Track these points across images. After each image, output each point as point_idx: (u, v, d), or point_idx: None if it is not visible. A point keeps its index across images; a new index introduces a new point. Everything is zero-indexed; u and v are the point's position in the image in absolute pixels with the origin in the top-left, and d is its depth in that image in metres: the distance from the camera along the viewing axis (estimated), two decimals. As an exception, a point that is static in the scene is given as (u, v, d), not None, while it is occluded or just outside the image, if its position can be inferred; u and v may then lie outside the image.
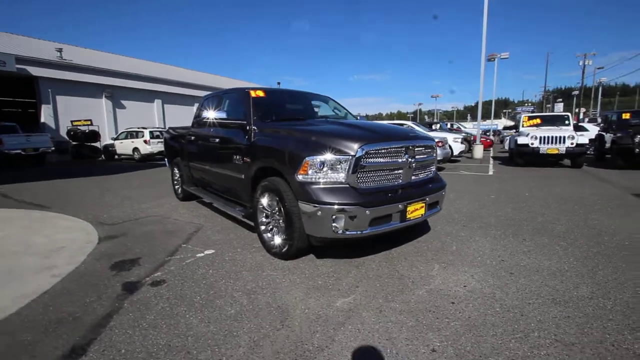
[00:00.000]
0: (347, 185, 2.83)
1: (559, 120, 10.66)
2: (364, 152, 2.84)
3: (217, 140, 4.30)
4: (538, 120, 10.56)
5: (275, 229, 3.36)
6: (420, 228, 4.14)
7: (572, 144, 9.43)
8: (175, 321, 2.26)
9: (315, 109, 4.59)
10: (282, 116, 4.12)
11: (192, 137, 5.17)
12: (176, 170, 6.23)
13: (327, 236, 2.87)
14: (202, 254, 3.48)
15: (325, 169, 2.82)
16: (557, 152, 9.48)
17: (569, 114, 11.00)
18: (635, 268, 2.97)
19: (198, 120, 5.26)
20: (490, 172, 10.08)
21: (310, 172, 2.85)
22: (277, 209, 3.27)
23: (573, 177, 8.61)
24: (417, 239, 3.83)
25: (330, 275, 2.94)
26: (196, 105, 32.76)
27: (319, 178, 2.84)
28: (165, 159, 6.97)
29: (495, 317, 2.26)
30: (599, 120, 16.71)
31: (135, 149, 16.23)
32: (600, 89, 44.34)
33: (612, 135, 9.98)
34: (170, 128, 7.10)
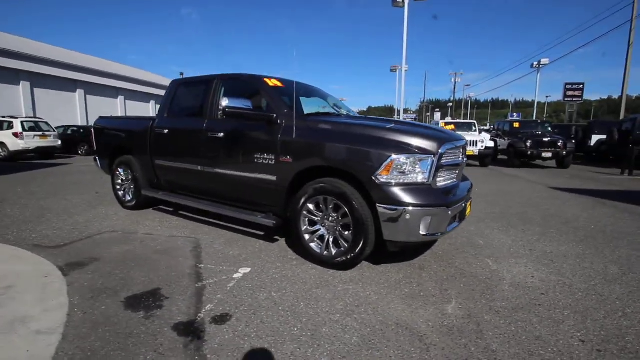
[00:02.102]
0: (430, 186, 2.68)
1: (467, 127, 12.62)
2: (444, 150, 2.74)
3: (222, 135, 3.56)
4: (453, 127, 12.25)
5: (327, 237, 2.96)
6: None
7: (482, 147, 11.28)
8: (304, 365, 1.75)
9: (324, 105, 4.23)
10: (301, 111, 3.66)
11: (164, 131, 4.17)
12: (121, 172, 4.96)
13: (411, 240, 2.66)
14: (239, 274, 2.82)
15: (409, 168, 2.61)
16: (472, 153, 11.18)
17: (474, 121, 13.12)
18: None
19: (172, 110, 4.28)
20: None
21: (394, 172, 2.60)
22: (334, 214, 2.89)
23: (491, 175, 10.20)
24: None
25: (407, 281, 2.75)
26: (152, 102, 27.84)
27: (402, 179, 2.61)
28: (96, 158, 5.46)
29: (587, 300, 2.46)
30: (491, 128, 20.30)
31: (2, 144, 12.36)
32: (470, 102, 54.35)
33: (504, 140, 12.36)
34: (106, 118, 5.62)
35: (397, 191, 2.58)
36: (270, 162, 3.18)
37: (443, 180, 2.87)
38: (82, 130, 16.48)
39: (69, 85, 22.32)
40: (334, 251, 2.91)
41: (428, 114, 58.02)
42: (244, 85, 3.70)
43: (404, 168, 2.60)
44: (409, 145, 2.66)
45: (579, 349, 1.92)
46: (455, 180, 3.10)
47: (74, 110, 22.79)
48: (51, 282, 2.63)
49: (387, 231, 2.64)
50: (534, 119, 27.62)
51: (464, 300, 2.46)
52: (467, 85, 50.27)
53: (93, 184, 7.25)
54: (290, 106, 3.31)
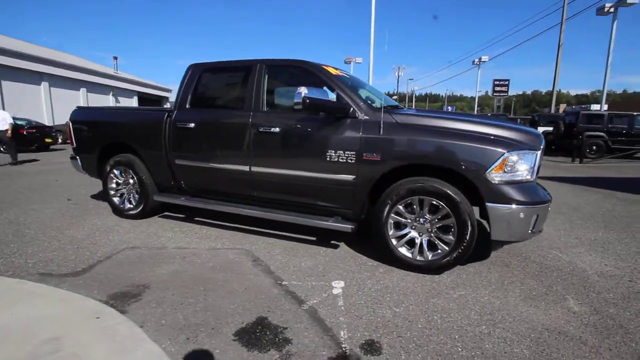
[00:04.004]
0: (533, 182, 2.63)
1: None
2: (543, 145, 2.70)
3: (277, 130, 3.10)
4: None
5: (419, 240, 2.76)
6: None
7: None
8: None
9: (376, 97, 3.89)
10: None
11: (189, 125, 3.53)
12: (117, 174, 4.15)
13: (519, 239, 2.61)
14: (337, 289, 2.49)
15: (519, 166, 2.52)
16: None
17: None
18: None
19: (196, 101, 3.63)
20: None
21: (507, 169, 2.48)
22: (428, 216, 2.70)
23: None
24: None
25: (508, 280, 2.69)
26: (83, 90, 23.77)
27: (513, 176, 2.51)
28: (76, 158, 4.48)
29: (673, 286, 2.64)
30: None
31: None
32: (414, 95, 57.41)
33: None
34: (88, 109, 4.64)
35: (510, 189, 2.48)
36: (349, 160, 2.85)
37: (536, 176, 2.85)
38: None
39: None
40: (429, 255, 2.73)
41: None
42: (299, 73, 3.26)
43: (516, 165, 2.50)
44: (519, 141, 2.57)
45: None
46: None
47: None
48: (111, 324, 2.04)
49: (497, 231, 2.53)
50: (485, 113, 30.10)
51: (575, 295, 2.47)
52: (411, 79, 53.06)
53: (53, 188, 6.02)
54: (363, 98, 3.00)
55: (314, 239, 3.54)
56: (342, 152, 2.87)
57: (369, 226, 2.98)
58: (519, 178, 2.53)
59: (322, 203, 3.12)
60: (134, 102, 30.18)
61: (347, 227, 2.92)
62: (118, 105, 26.45)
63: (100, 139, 4.19)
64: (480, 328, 2.06)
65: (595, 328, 2.08)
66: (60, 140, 15.17)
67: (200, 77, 3.65)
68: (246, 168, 3.30)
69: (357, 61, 26.83)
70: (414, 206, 2.73)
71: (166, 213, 4.39)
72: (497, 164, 2.46)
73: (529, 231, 2.56)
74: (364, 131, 2.82)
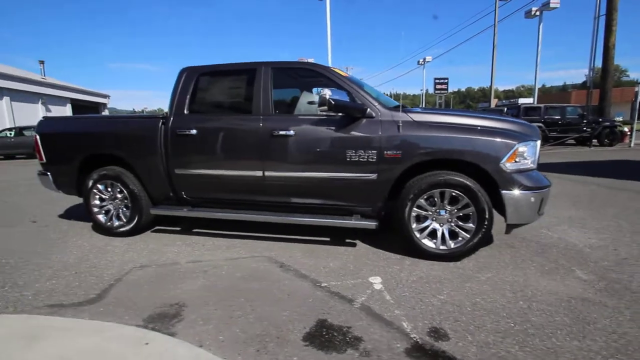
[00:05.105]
0: (536, 169, 2.93)
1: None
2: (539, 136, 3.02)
3: (292, 132, 3.08)
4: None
5: (440, 230, 2.93)
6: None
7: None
8: None
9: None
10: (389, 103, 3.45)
11: (190, 131, 3.34)
12: (101, 189, 3.80)
13: (530, 221, 2.88)
14: (378, 285, 2.56)
15: (526, 155, 2.80)
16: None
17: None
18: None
19: (195, 106, 3.45)
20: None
21: (518, 159, 2.75)
22: (449, 207, 2.88)
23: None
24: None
25: (520, 259, 2.97)
26: (6, 99, 19.98)
27: (521, 165, 2.78)
28: (46, 174, 4.00)
29: (646, 250, 3.13)
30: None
31: None
32: None
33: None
34: (57, 119, 4.15)
35: (521, 177, 2.75)
36: (370, 159, 2.93)
37: (535, 164, 3.17)
38: None
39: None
40: (451, 243, 2.91)
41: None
42: (307, 75, 3.27)
43: (524, 155, 2.77)
44: (523, 133, 2.85)
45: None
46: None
47: None
48: (166, 348, 1.89)
49: (512, 215, 2.79)
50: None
51: (579, 266, 2.81)
52: (361, 79, 54.58)
53: (6, 210, 5.29)
54: (376, 98, 3.10)
55: (328, 239, 3.57)
56: (362, 151, 2.95)
57: (384, 222, 3.09)
58: (527, 166, 2.82)
59: (341, 202, 3.17)
60: (67, 110, 27.29)
61: (372, 224, 3.01)
62: (82, 115, 23.76)
63: (79, 151, 3.78)
64: (519, 304, 2.27)
65: (607, 292, 2.40)
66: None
67: (197, 81, 3.48)
68: (259, 173, 3.22)
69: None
70: (435, 198, 2.89)
71: (157, 227, 4.11)
72: (509, 154, 2.72)
73: (537, 213, 2.86)
74: (383, 130, 2.92)
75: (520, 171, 2.77)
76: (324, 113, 2.96)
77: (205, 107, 3.55)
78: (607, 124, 13.53)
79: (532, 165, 2.86)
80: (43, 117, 4.11)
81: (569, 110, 13.81)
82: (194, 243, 3.58)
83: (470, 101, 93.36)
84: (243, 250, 3.35)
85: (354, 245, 3.40)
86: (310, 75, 3.29)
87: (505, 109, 14.44)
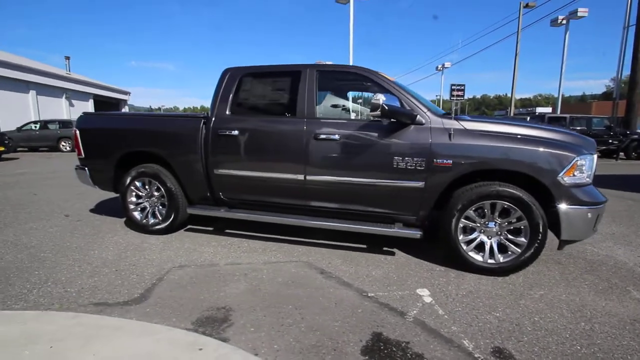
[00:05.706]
0: (592, 184, 2.81)
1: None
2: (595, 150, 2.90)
3: (337, 137, 3.03)
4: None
5: (488, 243, 2.83)
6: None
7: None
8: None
9: None
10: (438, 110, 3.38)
11: (232, 132, 3.31)
12: (139, 186, 3.81)
13: (583, 238, 2.78)
14: (427, 298, 2.48)
15: (584, 169, 2.68)
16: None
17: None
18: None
19: (237, 107, 3.43)
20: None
21: (576, 173, 2.64)
22: (499, 220, 2.78)
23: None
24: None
25: (571, 277, 2.85)
26: (32, 92, 20.96)
27: (579, 180, 2.67)
28: (84, 169, 4.03)
29: None
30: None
31: None
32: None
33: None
34: (99, 115, 4.20)
35: (579, 191, 2.64)
36: (418, 166, 2.85)
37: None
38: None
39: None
40: (500, 257, 2.81)
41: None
42: (354, 79, 3.22)
43: (582, 168, 2.66)
44: (582, 146, 2.74)
45: None
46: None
47: None
48: (221, 354, 1.85)
49: (567, 231, 2.68)
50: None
51: (634, 287, 2.68)
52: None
53: (37, 203, 5.37)
54: (425, 104, 3.02)
55: (364, 246, 3.50)
56: (410, 158, 2.87)
57: (428, 231, 3.01)
58: (584, 181, 2.70)
59: (384, 210, 3.10)
60: (89, 106, 27.89)
61: (416, 233, 2.93)
62: (127, 111, 24.39)
63: (118, 148, 3.81)
64: (581, 325, 2.16)
65: (672, 316, 2.27)
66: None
67: (240, 82, 3.46)
68: (300, 177, 3.18)
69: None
70: (485, 210, 2.80)
71: (190, 226, 4.10)
72: (568, 167, 2.61)
73: (592, 230, 2.74)
74: (434, 137, 2.84)
75: (577, 185, 2.66)
76: (374, 118, 2.90)
77: (248, 108, 3.53)
78: (636, 136, 13.12)
79: (588, 179, 2.75)
80: (83, 113, 4.16)
81: (595, 121, 13.45)
82: (229, 244, 3.55)
83: (486, 108, 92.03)
84: (280, 254, 3.30)
85: (392, 254, 3.33)
86: (356, 79, 3.24)
87: (528, 117, 14.12)
